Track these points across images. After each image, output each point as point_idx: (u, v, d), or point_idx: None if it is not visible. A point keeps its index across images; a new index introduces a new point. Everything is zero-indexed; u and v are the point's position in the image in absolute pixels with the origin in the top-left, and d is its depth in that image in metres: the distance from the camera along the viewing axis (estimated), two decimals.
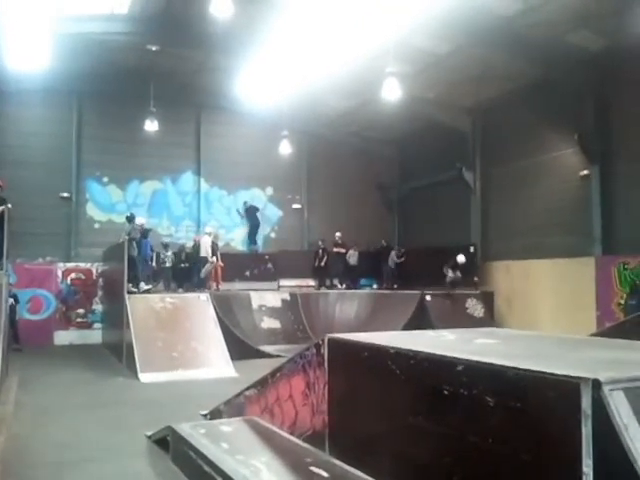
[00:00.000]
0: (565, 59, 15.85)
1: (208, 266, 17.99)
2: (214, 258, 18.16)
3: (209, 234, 18.68)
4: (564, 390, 3.27)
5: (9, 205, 14.07)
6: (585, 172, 16.73)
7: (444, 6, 13.74)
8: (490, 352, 4.41)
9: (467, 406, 3.98)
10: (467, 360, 4.01)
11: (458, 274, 18.77)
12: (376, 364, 4.93)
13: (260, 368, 9.28)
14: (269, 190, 23.49)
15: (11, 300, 17.00)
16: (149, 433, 7.79)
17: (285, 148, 21.40)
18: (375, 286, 22.01)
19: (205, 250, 17.95)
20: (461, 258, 18.76)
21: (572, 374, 3.30)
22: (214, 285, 18.34)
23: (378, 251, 22.52)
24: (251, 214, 21.71)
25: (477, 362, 3.94)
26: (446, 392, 4.14)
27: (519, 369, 3.62)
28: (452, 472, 4.09)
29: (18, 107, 19.67)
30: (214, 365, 13.36)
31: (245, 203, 21.96)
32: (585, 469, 3.14)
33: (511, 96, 18.26)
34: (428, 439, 4.33)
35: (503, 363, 3.78)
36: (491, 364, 3.84)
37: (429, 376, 4.35)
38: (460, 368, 4.00)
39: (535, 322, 16.42)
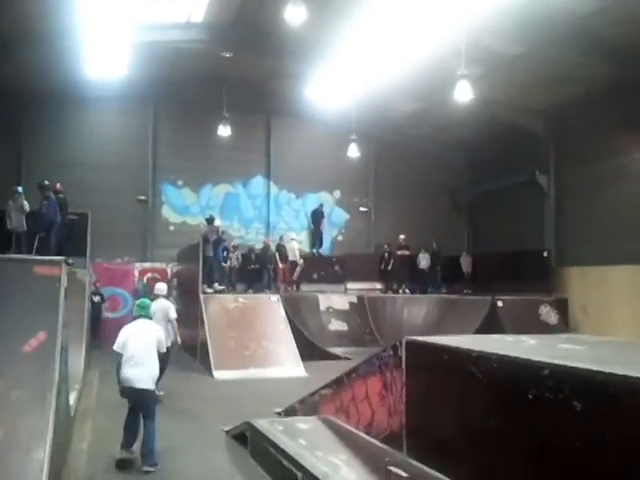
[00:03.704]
0: None
1: (298, 269, 19.13)
2: (302, 261, 19.28)
3: (294, 239, 19.82)
4: None
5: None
6: None
7: (516, 4, 13.46)
8: (576, 357, 4.36)
9: (552, 411, 3.95)
10: (554, 364, 3.98)
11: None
12: (456, 367, 4.94)
13: (329, 369, 9.44)
14: (337, 193, 23.65)
15: (98, 298, 17.80)
16: (226, 428, 8.04)
17: (353, 152, 21.50)
18: (443, 291, 21.76)
19: (293, 254, 19.04)
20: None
21: None
22: (283, 286, 18.65)
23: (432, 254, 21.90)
24: (317, 219, 22.04)
25: (564, 366, 3.91)
26: (530, 396, 4.11)
27: (609, 374, 3.57)
28: (533, 476, 4.07)
29: (98, 113, 20.60)
30: (285, 364, 13.62)
31: (321, 206, 22.18)
32: None
33: (585, 98, 17.65)
34: (509, 443, 4.32)
35: (592, 367, 3.74)
36: (579, 368, 3.80)
37: (512, 380, 4.33)
38: (546, 372, 3.98)
39: (612, 330, 15.77)
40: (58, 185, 14.75)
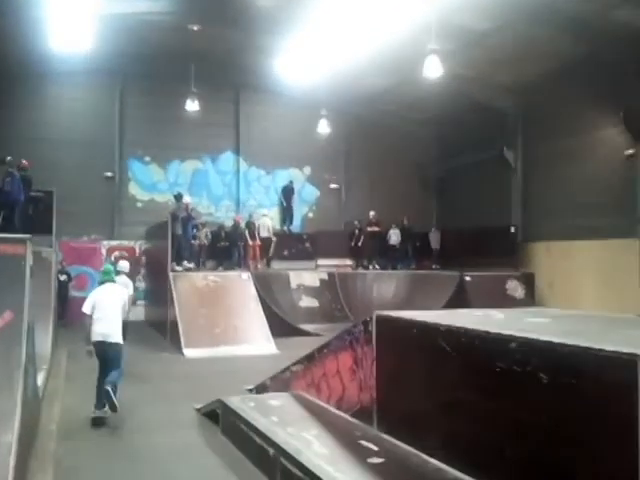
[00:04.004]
0: (610, 36, 15.40)
1: (272, 244, 19.41)
2: (274, 238, 19.55)
3: (266, 215, 19.98)
4: (621, 367, 3.29)
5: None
6: (630, 151, 16.37)
7: None
8: (542, 330, 4.43)
9: (519, 383, 4.02)
10: (520, 337, 4.04)
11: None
12: (426, 341, 5.00)
13: (300, 345, 9.46)
14: (307, 170, 23.56)
15: (65, 277, 17.48)
16: (198, 406, 8.03)
17: (323, 128, 21.41)
18: (412, 266, 21.93)
19: (267, 230, 19.23)
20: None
21: (629, 351, 3.32)
22: (253, 264, 18.59)
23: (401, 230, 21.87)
24: (288, 195, 22.00)
25: (531, 339, 3.97)
26: (498, 369, 4.18)
27: (574, 346, 3.64)
28: (502, 448, 4.15)
29: (63, 87, 20.07)
30: (255, 342, 13.64)
31: (291, 182, 22.29)
32: None
33: (554, 74, 17.85)
34: (478, 415, 4.39)
35: (557, 340, 3.81)
36: (545, 341, 3.87)
37: (481, 353, 4.40)
38: (513, 345, 4.04)
39: (577, 303, 16.18)
40: (24, 161, 14.34)
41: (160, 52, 19.04)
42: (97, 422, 7.50)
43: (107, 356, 7.71)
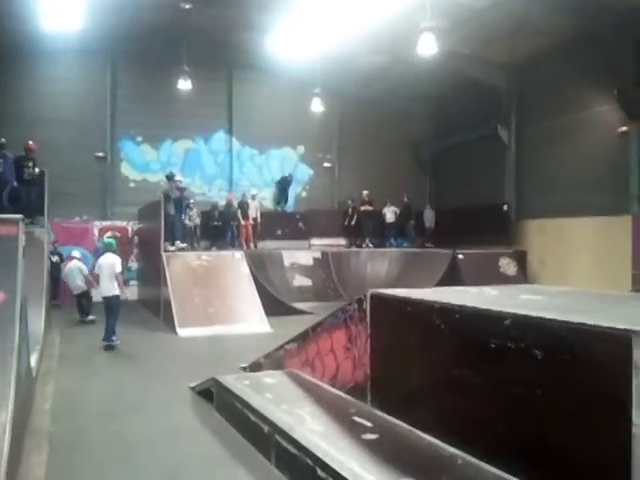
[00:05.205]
0: (605, 12, 15.26)
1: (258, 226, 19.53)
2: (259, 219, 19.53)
3: (254, 196, 19.83)
4: (615, 342, 3.30)
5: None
6: (624, 129, 16.32)
7: None
8: (536, 307, 4.44)
9: (514, 359, 4.04)
10: (515, 314, 4.05)
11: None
12: (420, 318, 5.00)
13: (293, 324, 9.51)
14: (300, 149, 23.42)
15: (56, 257, 17.40)
16: (192, 384, 8.04)
17: (317, 106, 21.21)
18: (406, 245, 21.97)
19: (255, 211, 19.24)
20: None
21: (623, 327, 3.33)
22: (246, 244, 18.55)
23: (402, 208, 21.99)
24: (284, 186, 21.97)
25: (525, 316, 3.98)
26: (492, 345, 4.20)
27: (568, 322, 3.65)
28: (496, 423, 4.18)
29: (53, 67, 19.77)
30: (249, 321, 13.64)
31: (290, 175, 22.09)
32: (636, 420, 3.19)
33: (548, 51, 17.75)
34: (472, 391, 4.42)
35: (551, 317, 3.82)
36: (539, 318, 3.88)
37: (475, 330, 4.41)
38: (508, 322, 4.05)
39: (569, 280, 16.22)
40: (30, 143, 14.17)
41: (152, 31, 18.76)
42: (108, 348, 11.16)
43: (107, 305, 11.30)
